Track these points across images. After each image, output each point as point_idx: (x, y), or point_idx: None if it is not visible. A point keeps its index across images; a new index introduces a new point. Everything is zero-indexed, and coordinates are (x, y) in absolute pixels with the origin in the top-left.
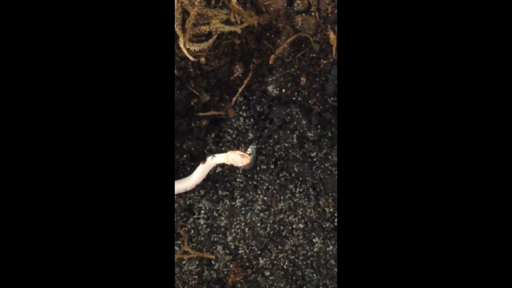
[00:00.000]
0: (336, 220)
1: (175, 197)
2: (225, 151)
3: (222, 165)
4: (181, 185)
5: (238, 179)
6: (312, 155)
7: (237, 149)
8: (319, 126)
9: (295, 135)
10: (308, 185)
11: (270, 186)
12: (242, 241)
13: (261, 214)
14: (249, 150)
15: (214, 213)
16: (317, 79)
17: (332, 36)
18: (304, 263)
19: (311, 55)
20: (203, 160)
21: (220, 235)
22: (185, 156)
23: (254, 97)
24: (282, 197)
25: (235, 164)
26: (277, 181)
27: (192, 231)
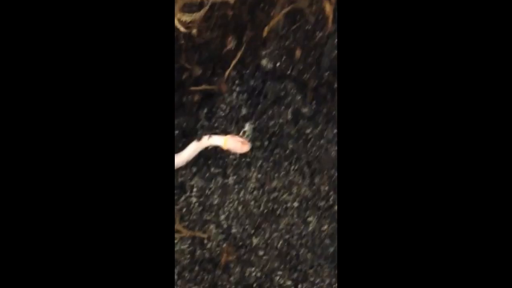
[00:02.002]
0: (331, 198)
1: None
2: (217, 128)
3: None
4: None
5: (231, 156)
6: (307, 131)
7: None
8: (314, 102)
9: (289, 111)
10: (303, 163)
11: (264, 164)
12: (235, 220)
13: (255, 192)
14: (246, 127)
15: (207, 191)
16: (313, 53)
17: (328, 8)
18: (299, 242)
19: (306, 27)
20: (199, 138)
21: (213, 214)
22: (176, 131)
23: (247, 71)
24: (276, 175)
25: (233, 151)
26: (271, 158)
27: (184, 210)
